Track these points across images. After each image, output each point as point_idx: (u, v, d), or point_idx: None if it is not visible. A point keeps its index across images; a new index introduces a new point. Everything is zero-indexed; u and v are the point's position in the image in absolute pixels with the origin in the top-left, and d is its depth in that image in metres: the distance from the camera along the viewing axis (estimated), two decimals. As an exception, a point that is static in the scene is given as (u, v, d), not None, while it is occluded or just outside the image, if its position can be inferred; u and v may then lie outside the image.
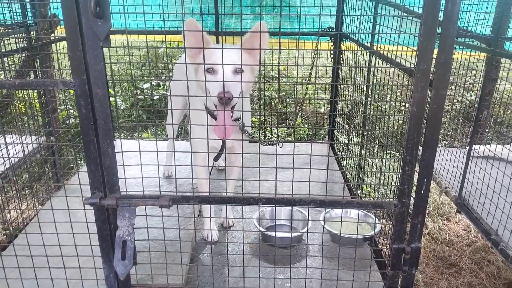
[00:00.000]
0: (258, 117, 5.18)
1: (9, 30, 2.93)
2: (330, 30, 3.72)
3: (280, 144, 2.25)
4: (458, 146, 3.88)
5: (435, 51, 1.50)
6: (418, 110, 1.55)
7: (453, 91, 4.71)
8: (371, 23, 2.72)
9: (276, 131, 5.71)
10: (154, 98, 5.84)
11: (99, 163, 1.68)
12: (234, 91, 1.94)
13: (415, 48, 1.54)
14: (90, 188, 1.72)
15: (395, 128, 4.67)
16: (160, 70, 6.21)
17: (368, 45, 2.89)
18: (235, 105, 2.05)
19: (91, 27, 1.47)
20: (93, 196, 1.71)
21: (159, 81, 6.18)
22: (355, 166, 3.50)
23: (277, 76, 6.04)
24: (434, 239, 3.76)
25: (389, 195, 2.46)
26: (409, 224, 1.76)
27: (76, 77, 1.56)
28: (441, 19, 1.45)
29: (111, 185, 1.72)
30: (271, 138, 5.56)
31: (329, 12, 3.80)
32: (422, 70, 1.50)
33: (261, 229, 2.50)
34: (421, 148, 1.64)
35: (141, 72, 6.21)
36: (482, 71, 3.37)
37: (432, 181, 2.56)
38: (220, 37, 3.82)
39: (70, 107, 5.11)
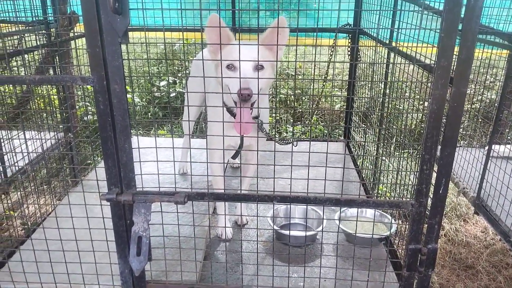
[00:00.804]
0: (274, 115, 5.16)
1: (29, 28, 2.98)
2: (348, 26, 3.67)
3: (295, 143, 2.24)
4: (477, 146, 3.80)
5: (456, 48, 1.47)
6: (437, 107, 1.52)
7: (473, 90, 4.62)
8: (390, 19, 2.68)
9: (291, 129, 5.68)
10: (171, 95, 5.87)
11: (116, 159, 1.70)
12: (254, 88, 1.93)
13: (435, 45, 1.51)
14: (107, 183, 1.74)
15: (413, 126, 4.60)
16: (176, 68, 6.25)
17: (387, 42, 2.85)
18: (254, 102, 2.04)
19: (110, 23, 1.48)
20: (110, 191, 1.73)
21: (175, 79, 6.21)
22: (371, 166, 3.46)
23: (293, 74, 6.01)
24: (451, 241, 3.70)
25: (406, 195, 2.42)
26: (426, 224, 1.73)
27: (94, 73, 1.58)
28: (463, 15, 1.42)
29: (127, 181, 1.74)
30: (286, 136, 5.54)
31: (347, 11, 3.76)
32: (442, 67, 1.47)
33: (275, 227, 2.49)
34: (439, 147, 1.61)
35: (157, 70, 6.25)
36: (504, 69, 3.29)
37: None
38: (237, 34, 3.81)
39: (88, 104, 5.18)
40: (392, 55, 2.83)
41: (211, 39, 2.06)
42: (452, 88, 1.51)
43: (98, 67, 1.57)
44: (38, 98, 3.86)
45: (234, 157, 2.54)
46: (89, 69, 1.59)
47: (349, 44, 3.73)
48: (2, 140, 2.70)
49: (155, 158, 1.75)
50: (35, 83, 1.63)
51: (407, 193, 2.37)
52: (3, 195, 2.84)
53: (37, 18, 3.03)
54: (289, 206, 2.71)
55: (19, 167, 2.77)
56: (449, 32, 1.43)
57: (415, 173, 1.70)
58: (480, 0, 1.38)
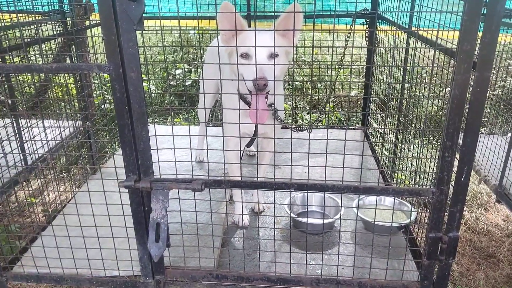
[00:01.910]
0: (290, 103, 5.12)
1: (46, 17, 3.00)
2: (366, 11, 3.59)
3: (310, 130, 2.21)
4: (499, 133, 3.71)
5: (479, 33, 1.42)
6: (460, 93, 1.47)
7: (495, 76, 4.49)
8: (410, 3, 2.61)
9: (307, 117, 5.64)
10: (186, 84, 5.88)
11: (133, 146, 1.71)
12: (269, 76, 1.91)
13: (457, 29, 1.46)
14: (125, 171, 1.75)
15: (433, 113, 4.51)
16: (191, 56, 6.24)
17: (406, 27, 2.77)
18: (270, 90, 2.02)
19: (125, 10, 1.47)
20: (128, 179, 1.74)
21: (190, 67, 6.21)
22: (389, 154, 3.41)
23: (309, 60, 5.94)
24: (471, 229, 3.63)
25: (426, 184, 2.38)
26: (447, 212, 1.70)
27: (110, 61, 1.58)
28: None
29: (145, 168, 1.75)
30: (302, 124, 5.50)
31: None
32: (465, 51, 1.42)
33: (292, 215, 2.48)
34: (461, 134, 1.57)
35: (173, 58, 6.25)
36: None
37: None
38: (251, 20, 3.78)
39: (105, 92, 5.22)
40: (411, 40, 2.76)
41: (223, 27, 2.04)
42: (475, 73, 1.46)
43: (114, 54, 1.57)
44: (56, 87, 3.91)
45: (248, 145, 2.54)
46: (105, 57, 1.59)
47: (367, 29, 3.65)
48: (22, 129, 2.74)
49: (172, 146, 1.75)
50: (52, 71, 1.64)
51: (427, 181, 2.33)
52: (24, 183, 2.90)
53: (52, 8, 3.05)
54: (306, 194, 2.69)
55: (39, 155, 2.82)
56: (473, 15, 1.38)
57: (436, 160, 1.67)
58: (506, -20, 1.32)
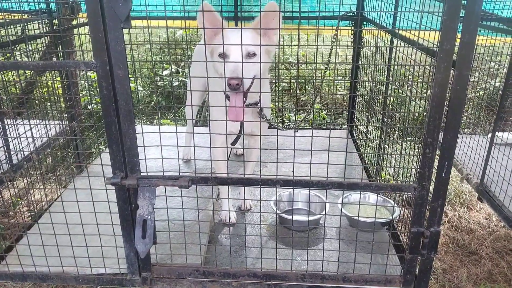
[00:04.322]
0: (276, 104, 5.16)
1: (33, 16, 2.99)
2: (351, 13, 3.65)
3: (296, 129, 2.25)
4: (481, 133, 3.79)
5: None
6: (440, 91, 1.52)
7: (477, 78, 4.59)
8: (393, 5, 2.67)
9: (294, 118, 5.68)
10: (174, 84, 5.88)
11: (120, 144, 1.72)
12: (245, 75, 1.94)
13: (437, 30, 1.51)
14: (111, 168, 1.76)
15: (416, 115, 4.59)
16: (179, 57, 6.24)
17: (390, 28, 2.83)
18: (248, 88, 2.05)
19: (112, 7, 1.49)
20: (115, 176, 1.75)
21: (178, 68, 6.21)
22: (374, 153, 3.46)
23: (296, 62, 5.99)
24: (454, 227, 3.71)
25: (408, 182, 2.43)
26: (429, 208, 1.75)
27: (97, 58, 1.59)
28: (464, 1, 1.41)
29: (132, 166, 1.76)
30: (289, 124, 5.55)
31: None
32: (445, 50, 1.47)
33: (278, 212, 2.51)
34: (442, 133, 1.62)
35: (160, 59, 6.25)
36: (508, 56, 3.27)
37: (453, 168, 2.52)
38: (239, 22, 3.81)
39: (92, 92, 5.19)
40: (395, 41, 2.82)
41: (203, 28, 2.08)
42: (455, 71, 1.51)
43: (101, 52, 1.58)
44: (42, 87, 3.88)
45: (233, 143, 2.55)
46: (92, 55, 1.60)
47: (352, 29, 3.71)
48: (8, 127, 2.72)
49: (159, 147, 1.76)
50: (38, 68, 1.64)
51: (410, 180, 2.38)
52: (9, 182, 2.87)
53: (39, 7, 3.04)
54: (292, 192, 2.72)
55: (25, 155, 2.80)
56: (452, 15, 1.43)
57: (418, 156, 1.71)
58: (483, -18, 1.37)
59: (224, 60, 2.05)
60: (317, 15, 3.51)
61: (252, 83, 2.09)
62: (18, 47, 2.89)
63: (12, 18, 2.93)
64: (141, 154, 1.75)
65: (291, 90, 6.12)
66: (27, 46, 2.45)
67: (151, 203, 1.75)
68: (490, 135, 2.90)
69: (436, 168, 1.66)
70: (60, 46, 3.12)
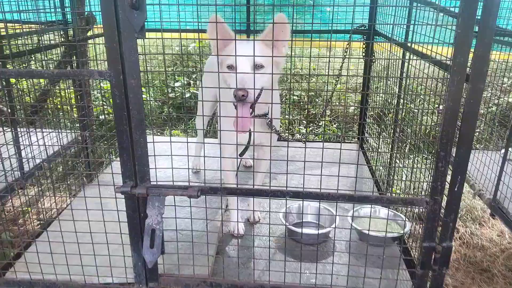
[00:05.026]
0: (287, 116, 5.17)
1: (49, 27, 3.05)
2: (362, 27, 3.66)
3: (305, 139, 2.24)
4: (494, 149, 3.74)
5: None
6: (453, 104, 1.51)
7: (490, 93, 4.55)
8: (405, 18, 2.67)
9: (304, 131, 5.68)
10: (185, 96, 5.92)
11: (131, 153, 1.72)
12: (251, 87, 1.95)
13: (451, 43, 1.50)
14: (121, 177, 1.76)
15: (427, 130, 4.55)
16: (191, 69, 6.30)
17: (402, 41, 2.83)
18: (256, 99, 2.06)
19: (128, 18, 1.51)
20: (125, 185, 1.76)
21: (190, 80, 6.26)
22: (384, 170, 3.43)
23: (307, 75, 6.00)
24: (466, 244, 3.64)
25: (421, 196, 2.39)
26: (441, 222, 1.72)
27: (111, 67, 1.61)
28: (479, 17, 1.41)
29: (142, 175, 1.76)
30: (299, 137, 5.54)
31: (362, 13, 3.74)
32: (458, 63, 1.46)
33: (287, 224, 2.49)
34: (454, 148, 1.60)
35: (172, 71, 6.31)
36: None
37: (464, 184, 2.48)
38: (251, 34, 3.84)
39: (104, 103, 5.25)
40: (407, 54, 2.81)
41: (213, 40, 2.11)
42: (469, 85, 1.50)
43: (115, 61, 1.60)
44: (55, 97, 3.94)
45: (241, 154, 2.55)
46: (106, 64, 1.62)
47: (364, 41, 3.71)
48: (20, 135, 2.75)
49: (169, 159, 1.77)
50: (53, 76, 1.67)
51: (421, 194, 2.35)
52: (20, 190, 2.90)
53: (56, 18, 3.10)
54: (301, 205, 2.70)
55: (36, 163, 2.82)
56: (466, 28, 1.43)
57: (430, 170, 1.69)
58: (497, -5, 1.37)
59: (232, 71, 2.07)
60: (330, 29, 3.52)
61: (260, 94, 2.10)
62: (34, 57, 2.94)
63: (29, 28, 2.99)
64: (151, 164, 1.75)
65: (302, 103, 6.13)
66: (42, 56, 2.49)
67: (160, 213, 1.74)
68: (503, 150, 2.86)
69: (449, 182, 1.64)
70: (74, 57, 3.17)
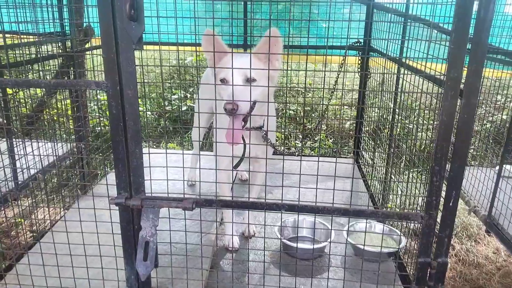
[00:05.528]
0: (283, 130, 5.18)
1: (47, 38, 3.06)
2: (358, 44, 3.71)
3: (297, 153, 2.26)
4: (488, 166, 3.76)
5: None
6: (447, 119, 1.52)
7: (484, 111, 4.60)
8: (400, 35, 2.71)
9: (299, 145, 5.69)
10: (182, 109, 5.94)
11: (126, 164, 1.72)
12: (243, 102, 1.97)
13: (445, 58, 1.52)
14: (116, 188, 1.75)
15: (422, 147, 4.58)
16: (188, 83, 6.33)
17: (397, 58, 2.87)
18: (248, 112, 2.07)
19: (125, 29, 1.52)
20: (119, 196, 1.74)
21: (186, 94, 6.29)
22: (379, 185, 3.44)
23: (303, 91, 6.05)
24: (461, 261, 3.63)
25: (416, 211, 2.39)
26: (436, 238, 1.71)
27: (108, 78, 1.61)
28: (471, 35, 1.43)
29: (137, 186, 1.75)
30: (294, 151, 5.55)
31: (357, 29, 3.79)
32: (452, 78, 1.48)
33: (282, 239, 2.47)
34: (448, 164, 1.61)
35: (169, 85, 6.34)
36: (515, 88, 3.29)
37: (460, 200, 2.48)
38: (247, 49, 3.88)
39: (101, 115, 5.25)
40: (402, 70, 2.84)
41: (207, 53, 2.14)
42: (462, 100, 1.52)
43: (112, 72, 1.61)
44: (51, 108, 3.93)
45: (235, 166, 2.55)
46: (103, 75, 1.63)
47: (359, 62, 3.76)
48: (16, 145, 2.74)
49: (164, 169, 1.76)
50: (50, 86, 1.67)
51: (416, 209, 2.35)
52: (14, 201, 2.87)
53: (54, 30, 3.12)
54: (296, 219, 2.69)
55: (31, 175, 2.80)
56: (459, 43, 1.45)
57: (425, 185, 1.69)
58: (490, 12, 1.39)
59: (225, 86, 2.09)
60: (325, 45, 3.56)
61: (252, 108, 2.11)
62: (31, 68, 2.95)
63: (27, 40, 3.00)
64: (146, 176, 1.74)
65: (298, 118, 6.15)
66: (39, 67, 2.50)
67: (154, 225, 1.73)
68: (497, 167, 2.87)
69: (444, 197, 1.64)
70: (71, 68, 3.18)
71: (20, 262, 2.28)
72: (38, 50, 2.89)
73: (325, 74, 1.76)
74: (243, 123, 2.11)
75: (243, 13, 3.96)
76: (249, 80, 2.08)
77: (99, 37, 1.59)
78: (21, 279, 2.02)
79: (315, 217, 2.58)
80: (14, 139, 2.79)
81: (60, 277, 1.97)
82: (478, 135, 4.46)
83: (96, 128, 5.02)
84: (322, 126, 5.90)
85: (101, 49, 1.61)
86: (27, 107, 4.07)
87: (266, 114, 2.02)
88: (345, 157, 4.37)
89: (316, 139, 5.82)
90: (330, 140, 5.90)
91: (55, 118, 4.08)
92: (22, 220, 3.27)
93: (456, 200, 1.63)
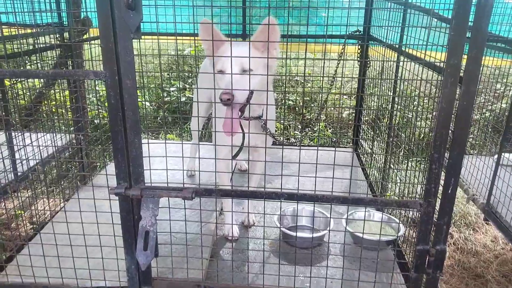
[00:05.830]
0: (282, 121, 5.17)
1: (45, 30, 3.04)
2: (358, 33, 3.69)
3: (298, 143, 2.25)
4: (488, 154, 3.77)
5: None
6: (447, 106, 1.52)
7: (483, 99, 4.59)
8: (400, 23, 2.69)
9: (299, 135, 5.69)
10: (181, 100, 5.93)
11: (125, 154, 1.72)
12: (239, 92, 1.95)
13: (445, 45, 1.51)
14: (116, 178, 1.76)
15: (422, 136, 4.58)
16: (186, 74, 6.31)
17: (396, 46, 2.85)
18: (246, 102, 2.06)
19: (123, 18, 1.51)
20: (119, 186, 1.75)
21: (185, 85, 6.27)
22: (378, 174, 3.44)
23: (302, 81, 6.03)
24: (460, 249, 3.65)
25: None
26: (434, 226, 1.72)
27: (107, 67, 1.61)
28: (471, 23, 1.43)
29: (136, 176, 1.75)
30: (293, 142, 5.55)
31: (357, 18, 3.76)
32: (452, 65, 1.47)
33: (282, 228, 2.48)
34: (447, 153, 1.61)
35: (168, 76, 6.31)
36: (514, 77, 3.28)
37: (458, 189, 2.49)
38: (246, 38, 3.85)
39: (99, 107, 5.24)
40: (401, 59, 2.83)
41: (204, 43, 2.12)
42: (462, 87, 1.51)
43: (110, 62, 1.60)
44: (50, 100, 3.92)
45: (234, 156, 2.54)
46: (102, 65, 1.62)
47: (359, 51, 3.74)
48: (15, 137, 2.73)
49: (164, 160, 1.76)
50: (48, 76, 1.66)
51: (415, 197, 2.35)
52: (13, 193, 2.87)
53: (52, 21, 3.10)
54: (296, 209, 2.70)
55: (30, 167, 2.80)
56: (459, 30, 1.44)
57: (424, 172, 1.70)
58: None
59: (222, 76, 2.08)
60: (325, 34, 3.54)
61: (249, 97, 2.10)
62: (29, 59, 2.93)
63: (25, 31, 2.98)
64: (145, 167, 1.75)
65: (297, 109, 6.14)
66: (37, 58, 2.49)
67: (154, 215, 1.73)
68: (496, 156, 2.88)
69: (442, 185, 1.64)
70: (70, 59, 3.16)
71: (21, 253, 2.29)
72: (35, 41, 2.87)
73: (324, 63, 1.75)
74: (239, 113, 2.10)
75: (242, 2, 3.93)
76: (246, 70, 2.07)
77: (97, 28, 1.58)
78: (22, 270, 2.03)
79: (314, 206, 2.58)
80: (13, 131, 2.79)
81: (61, 267, 1.98)
82: (477, 123, 4.47)
83: (95, 120, 5.01)
84: (322, 116, 5.89)
85: (99, 40, 1.60)
86: (26, 99, 4.05)
87: (264, 103, 2.02)
88: (344, 147, 4.38)
89: (315, 129, 5.82)
90: (329, 130, 5.90)
91: (53, 109, 4.07)
92: (22, 212, 3.28)
93: (454, 188, 1.64)
